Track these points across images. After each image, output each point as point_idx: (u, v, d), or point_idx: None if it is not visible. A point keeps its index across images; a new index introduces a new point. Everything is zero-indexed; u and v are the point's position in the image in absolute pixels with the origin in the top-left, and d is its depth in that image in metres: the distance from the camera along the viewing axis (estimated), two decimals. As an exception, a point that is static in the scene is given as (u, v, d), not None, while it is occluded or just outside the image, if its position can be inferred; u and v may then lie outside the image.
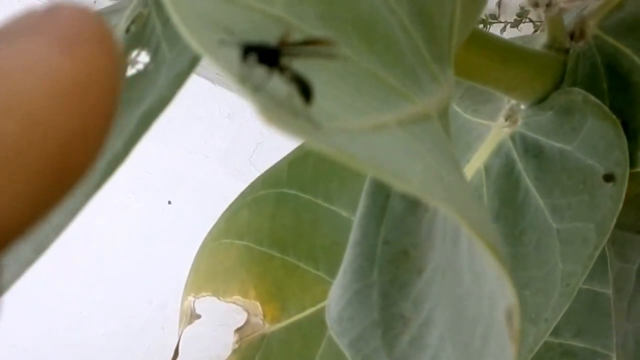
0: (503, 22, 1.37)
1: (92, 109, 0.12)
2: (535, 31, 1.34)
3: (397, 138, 0.17)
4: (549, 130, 0.41)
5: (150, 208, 1.50)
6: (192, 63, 0.25)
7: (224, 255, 0.53)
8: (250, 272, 0.52)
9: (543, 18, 0.42)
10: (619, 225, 0.38)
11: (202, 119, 1.46)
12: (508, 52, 0.42)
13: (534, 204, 0.40)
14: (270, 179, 0.53)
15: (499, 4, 1.38)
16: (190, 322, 0.53)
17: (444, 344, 0.26)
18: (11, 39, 0.12)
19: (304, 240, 0.52)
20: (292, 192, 0.52)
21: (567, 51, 0.43)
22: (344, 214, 0.51)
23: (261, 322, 0.52)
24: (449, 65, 0.27)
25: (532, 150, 0.41)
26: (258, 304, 0.52)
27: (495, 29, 1.36)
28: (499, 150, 0.43)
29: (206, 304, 0.54)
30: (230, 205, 0.54)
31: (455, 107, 0.46)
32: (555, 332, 0.50)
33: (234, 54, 0.14)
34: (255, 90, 0.14)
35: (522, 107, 0.43)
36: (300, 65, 0.15)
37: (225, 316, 0.53)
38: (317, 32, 0.19)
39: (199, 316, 0.53)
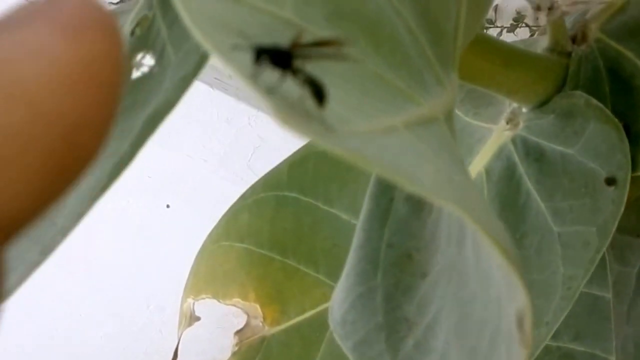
0: (499, 27, 1.37)
1: (97, 97, 0.12)
2: (532, 35, 1.34)
3: (406, 140, 0.17)
4: (550, 133, 0.41)
5: (148, 211, 1.50)
6: (198, 66, 0.25)
7: (224, 257, 0.53)
8: (250, 275, 0.52)
9: (545, 21, 0.43)
10: (618, 229, 0.38)
11: (201, 123, 1.46)
12: (510, 55, 0.42)
13: (535, 207, 0.40)
14: (271, 182, 0.53)
15: (495, 9, 1.39)
16: (189, 325, 0.53)
17: (450, 348, 0.25)
18: (14, 27, 0.12)
19: (304, 242, 0.52)
20: (293, 194, 0.52)
21: (569, 54, 0.43)
22: (344, 216, 0.51)
23: (261, 324, 0.52)
24: (453, 68, 0.27)
25: (534, 154, 0.41)
26: (258, 306, 0.52)
27: (491, 34, 1.36)
28: (500, 154, 0.43)
29: (205, 306, 0.54)
30: (230, 208, 0.54)
31: (456, 110, 0.46)
32: (554, 336, 0.50)
33: (247, 57, 0.14)
34: (269, 93, 0.14)
35: (524, 110, 0.43)
36: (312, 67, 0.15)
37: (224, 318, 0.53)
38: (325, 33, 0.19)
39: (198, 318, 0.53)
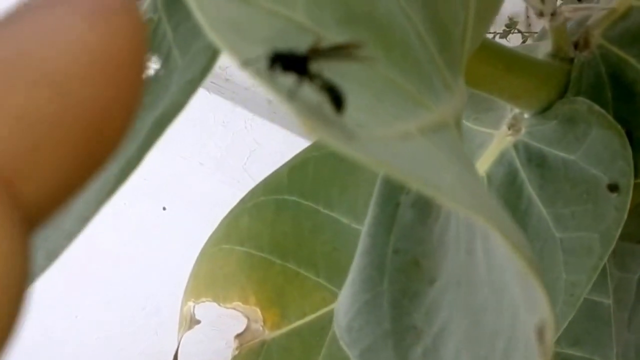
0: (492, 33, 1.37)
1: (123, 82, 0.12)
2: (524, 42, 1.34)
3: (422, 146, 0.17)
4: (552, 139, 0.41)
5: (145, 214, 1.49)
6: (205, 69, 0.25)
7: (224, 261, 0.53)
8: (250, 278, 0.52)
9: (541, 27, 0.42)
10: (619, 235, 0.38)
11: (197, 127, 1.46)
12: (512, 60, 0.42)
13: (536, 213, 0.40)
14: (271, 185, 0.53)
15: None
16: (190, 328, 0.53)
17: (461, 357, 0.25)
18: (35, 13, 0.12)
19: (304, 246, 0.52)
20: (293, 198, 0.52)
21: (571, 60, 0.43)
22: (345, 220, 0.51)
23: (261, 328, 0.52)
24: (460, 73, 0.27)
25: (536, 160, 0.41)
26: (258, 310, 0.52)
27: (484, 40, 1.36)
28: (502, 159, 0.43)
29: (204, 309, 0.54)
30: (231, 211, 0.54)
31: (458, 116, 0.46)
32: (554, 341, 0.49)
33: (263, 62, 0.14)
34: (290, 99, 0.14)
35: (526, 116, 0.43)
36: (329, 71, 0.15)
37: (219, 320, 0.53)
38: (338, 37, 0.19)
39: (198, 322, 0.53)
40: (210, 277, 0.53)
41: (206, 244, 0.54)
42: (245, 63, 0.14)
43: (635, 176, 0.39)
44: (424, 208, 0.32)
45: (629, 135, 0.39)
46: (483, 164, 0.43)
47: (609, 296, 0.49)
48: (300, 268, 0.51)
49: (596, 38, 0.43)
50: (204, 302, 0.53)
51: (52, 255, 0.25)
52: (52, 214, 0.12)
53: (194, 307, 0.53)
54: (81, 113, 0.12)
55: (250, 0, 0.16)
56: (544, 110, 0.43)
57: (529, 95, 0.43)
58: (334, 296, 0.50)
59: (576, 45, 0.43)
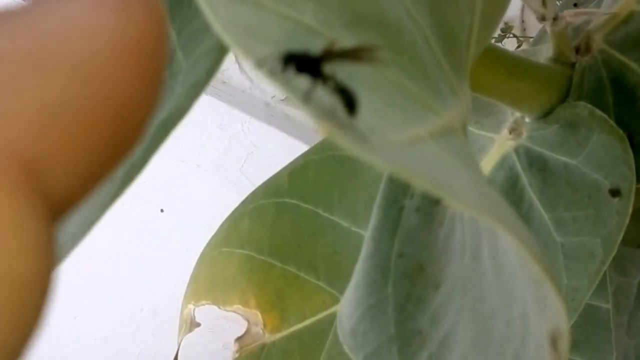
0: (486, 38, 1.38)
1: (147, 70, 0.12)
2: (519, 46, 1.35)
3: (433, 151, 0.17)
4: (554, 143, 0.41)
5: (142, 216, 1.49)
6: (210, 72, 0.25)
7: (225, 264, 0.53)
8: (250, 282, 0.52)
9: (549, 32, 0.42)
10: (619, 239, 0.38)
11: (194, 129, 1.46)
12: (514, 65, 0.42)
13: (537, 217, 0.40)
14: (271, 189, 0.53)
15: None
16: (190, 331, 0.53)
17: (468, 363, 0.25)
18: (57, 1, 0.12)
19: (304, 250, 0.51)
20: (293, 201, 0.52)
21: (572, 65, 0.43)
22: (345, 223, 0.51)
23: (261, 331, 0.52)
24: (465, 78, 0.27)
25: (537, 164, 0.41)
26: (258, 313, 0.52)
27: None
28: (503, 163, 0.42)
29: (204, 312, 0.54)
30: (231, 214, 0.54)
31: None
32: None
33: (278, 65, 0.14)
34: (306, 100, 0.14)
35: (527, 120, 0.43)
36: (341, 74, 0.15)
37: (216, 322, 0.53)
38: (347, 41, 0.19)
39: (198, 324, 0.53)
40: (210, 280, 0.53)
41: (206, 247, 0.54)
42: (259, 63, 0.14)
43: (637, 181, 0.39)
44: (429, 212, 0.32)
45: (631, 140, 0.39)
46: (484, 168, 0.43)
47: (608, 300, 0.49)
48: (300, 271, 0.51)
49: (598, 43, 0.43)
50: (204, 305, 0.53)
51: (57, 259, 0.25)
52: (76, 205, 0.12)
53: (194, 309, 0.53)
54: (107, 100, 0.12)
55: (261, 4, 0.16)
56: (545, 115, 0.43)
57: (531, 100, 0.43)
58: (334, 299, 0.50)
59: (577, 50, 0.43)
